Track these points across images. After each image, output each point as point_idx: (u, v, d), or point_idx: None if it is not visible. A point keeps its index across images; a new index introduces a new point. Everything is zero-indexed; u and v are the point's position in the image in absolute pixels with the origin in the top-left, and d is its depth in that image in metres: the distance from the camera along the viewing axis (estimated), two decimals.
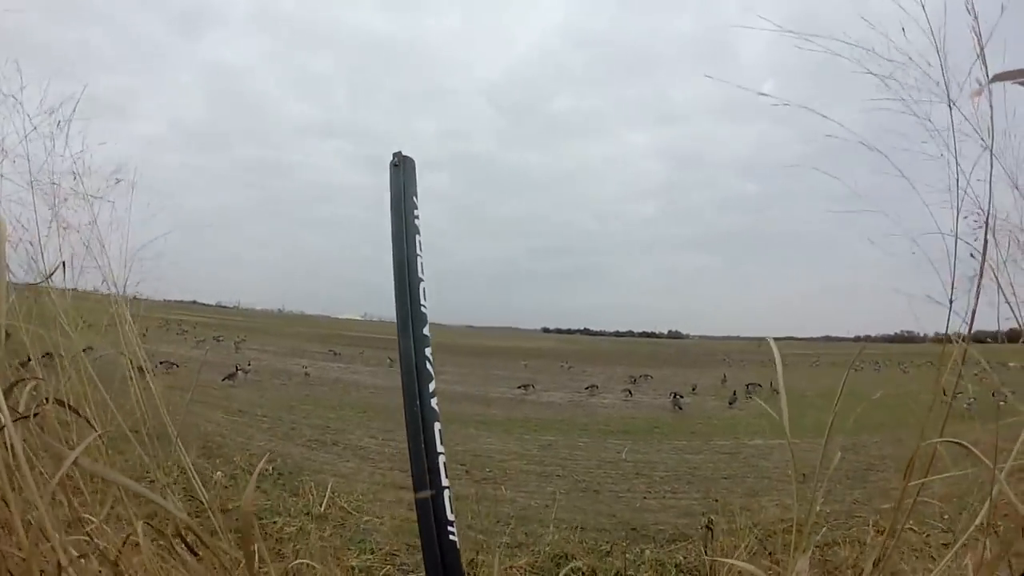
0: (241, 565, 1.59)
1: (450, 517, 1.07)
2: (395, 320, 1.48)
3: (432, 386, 1.17)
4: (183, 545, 1.64)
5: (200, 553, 1.68)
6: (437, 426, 1.18)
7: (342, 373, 28.01)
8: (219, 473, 7.86)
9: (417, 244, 1.13)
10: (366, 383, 24.62)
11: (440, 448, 1.14)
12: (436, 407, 1.19)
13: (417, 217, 1.21)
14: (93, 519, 1.81)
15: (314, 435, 12.74)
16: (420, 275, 1.28)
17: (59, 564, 1.33)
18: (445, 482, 1.05)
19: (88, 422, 1.91)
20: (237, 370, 20.49)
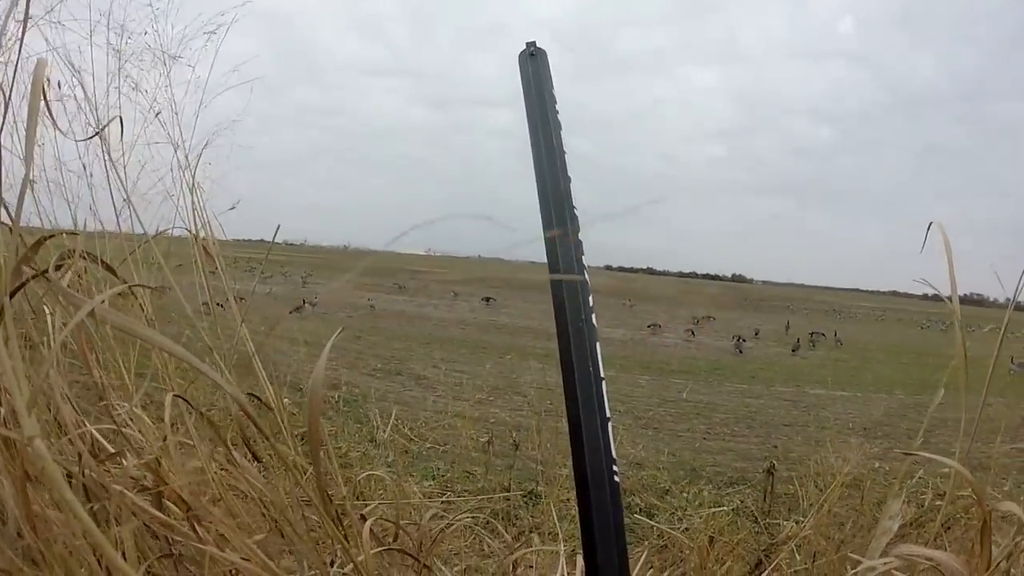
0: (308, 474, 1.47)
1: (614, 455, 0.96)
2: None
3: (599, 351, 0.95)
4: (244, 446, 1.44)
5: (262, 458, 1.51)
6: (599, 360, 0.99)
7: (407, 306, 28.42)
8: (286, 400, 8.07)
9: (562, 148, 0.87)
10: (430, 315, 25.02)
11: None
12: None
13: (558, 112, 0.95)
14: (123, 404, 1.53)
15: (379, 365, 13.05)
16: (571, 199, 0.97)
17: (80, 459, 1.13)
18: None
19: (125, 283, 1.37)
20: (304, 303, 20.85)
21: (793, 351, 23.13)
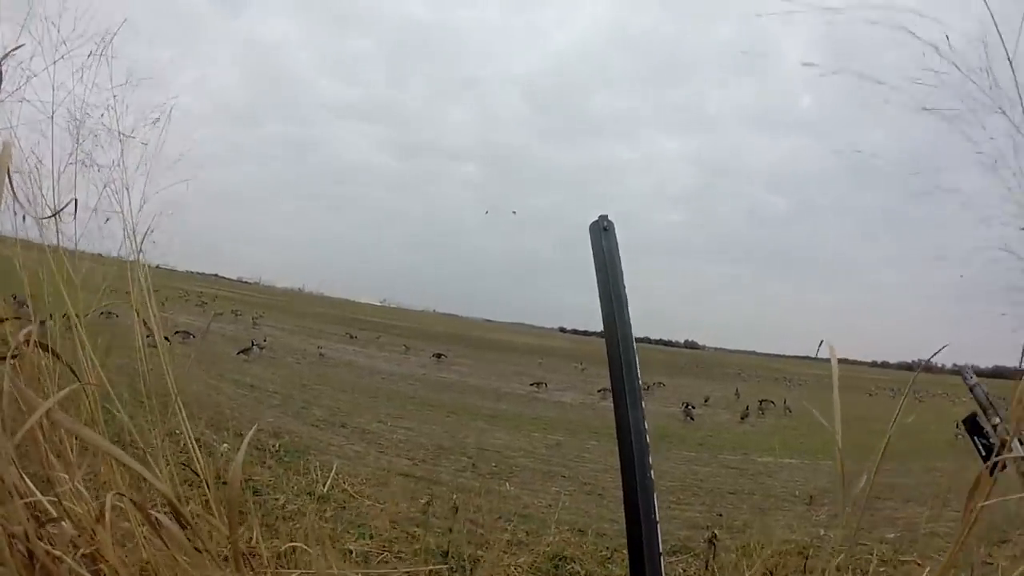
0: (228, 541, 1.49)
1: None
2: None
3: (650, 458, 1.10)
4: (170, 516, 1.52)
5: (186, 526, 1.57)
6: (655, 497, 1.10)
7: (357, 356, 28.11)
8: (225, 445, 7.88)
9: (628, 314, 1.06)
10: (380, 368, 24.70)
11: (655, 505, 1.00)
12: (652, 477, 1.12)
13: (624, 286, 1.12)
14: (67, 478, 1.69)
15: (324, 415, 12.77)
16: (634, 348, 1.22)
17: (26, 527, 1.25)
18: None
19: (72, 371, 1.76)
20: (253, 345, 20.57)
21: (742, 418, 23.29)
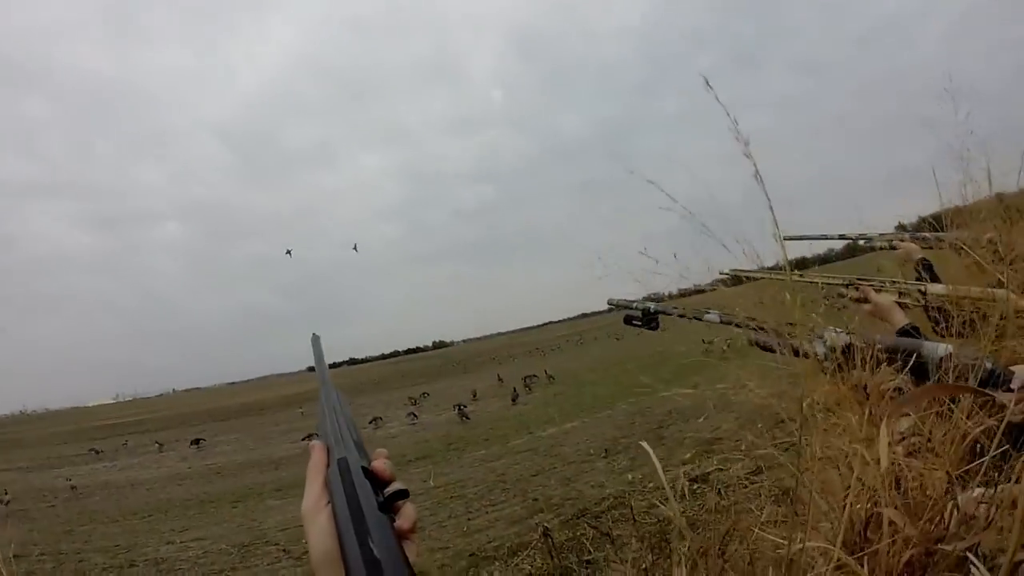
0: None
1: None
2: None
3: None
4: None
5: None
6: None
7: (110, 474, 25.36)
8: None
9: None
10: (140, 479, 22.58)
11: None
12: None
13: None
14: None
15: (106, 561, 11.10)
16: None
17: None
18: None
19: None
20: None
21: (514, 401, 23.98)
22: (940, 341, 1.71)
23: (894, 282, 2.44)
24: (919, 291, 2.38)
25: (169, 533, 12.57)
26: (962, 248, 2.46)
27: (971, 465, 1.34)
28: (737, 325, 2.07)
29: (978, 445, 1.39)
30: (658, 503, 6.48)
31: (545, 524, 7.07)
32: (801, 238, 3.20)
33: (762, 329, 1.95)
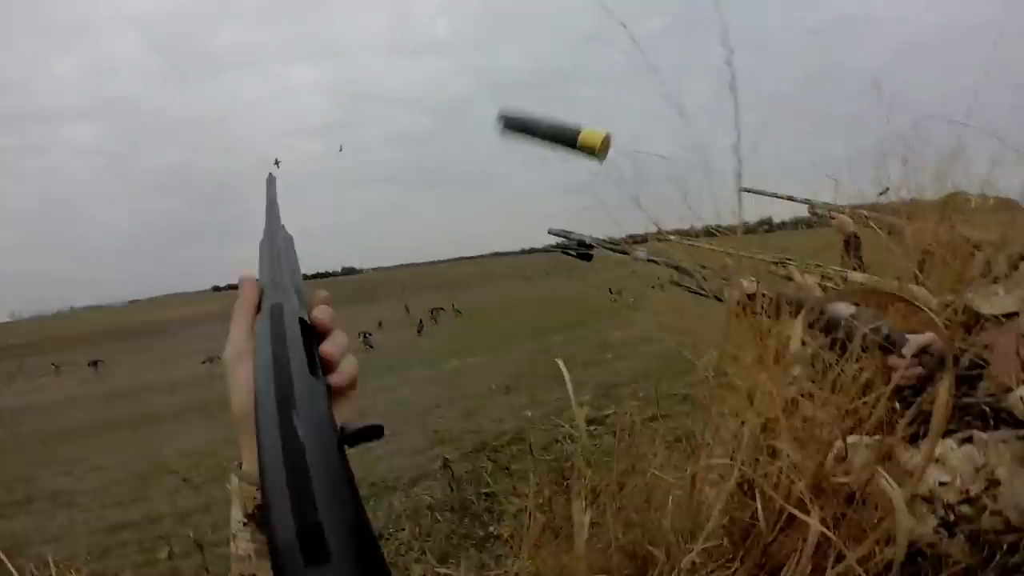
0: None
1: None
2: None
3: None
4: None
5: None
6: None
7: (4, 400, 24.16)
8: None
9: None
10: (36, 403, 21.69)
11: None
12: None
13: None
14: None
15: (5, 496, 10.33)
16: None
17: None
18: None
19: None
20: None
21: (419, 332, 24.13)
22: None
23: (818, 265, 2.56)
24: (841, 276, 2.51)
25: (67, 463, 12.03)
26: (891, 231, 2.61)
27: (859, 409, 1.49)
28: (667, 265, 2.19)
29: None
30: (557, 440, 6.66)
31: (445, 456, 7.19)
32: (760, 192, 3.20)
33: (684, 270, 2.09)
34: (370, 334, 23.27)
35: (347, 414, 0.63)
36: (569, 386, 2.11)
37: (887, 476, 1.25)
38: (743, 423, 1.53)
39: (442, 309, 29.31)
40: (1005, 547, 1.28)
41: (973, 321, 1.79)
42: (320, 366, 0.65)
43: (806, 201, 3.41)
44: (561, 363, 2.30)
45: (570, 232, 2.48)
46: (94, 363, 30.26)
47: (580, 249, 2.44)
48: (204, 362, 23.61)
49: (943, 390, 1.15)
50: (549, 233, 2.54)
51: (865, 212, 2.87)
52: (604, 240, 2.40)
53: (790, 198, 3.40)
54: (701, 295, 2.08)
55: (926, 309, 1.66)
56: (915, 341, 1.61)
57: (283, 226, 0.93)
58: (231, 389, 0.65)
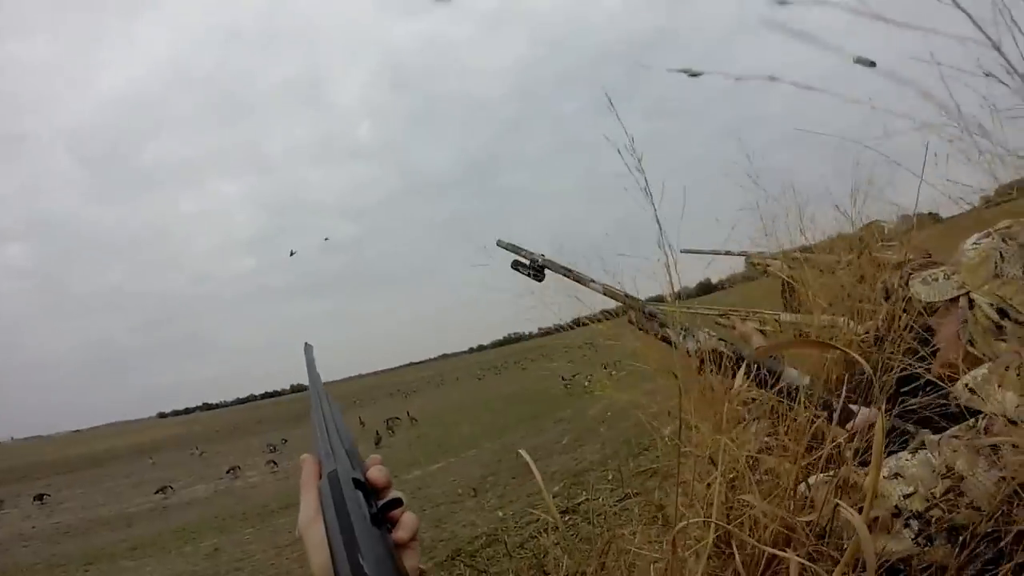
0: None
1: None
2: None
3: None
4: None
5: None
6: None
7: None
8: None
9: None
10: None
11: None
12: None
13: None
14: None
15: None
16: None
17: None
18: None
19: None
20: None
21: (376, 444, 23.70)
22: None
23: (756, 312, 2.71)
24: (775, 319, 2.66)
25: None
26: (822, 270, 2.74)
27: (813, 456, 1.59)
28: (624, 300, 2.22)
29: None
30: (533, 536, 6.65)
31: (420, 567, 7.11)
32: (698, 252, 3.30)
33: (649, 315, 2.14)
34: None
35: (412, 563, 0.74)
36: (538, 476, 2.11)
37: (845, 506, 1.28)
38: (709, 485, 1.62)
39: (397, 418, 28.94)
40: (982, 539, 1.32)
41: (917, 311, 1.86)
42: (383, 519, 0.74)
43: (742, 254, 3.54)
44: (526, 454, 2.31)
45: (520, 248, 2.48)
46: (40, 497, 28.90)
47: (532, 268, 2.42)
48: (157, 492, 22.94)
49: (879, 434, 1.24)
50: (497, 245, 2.54)
51: (797, 255, 2.92)
52: (557, 263, 2.40)
53: (727, 252, 3.49)
54: (663, 338, 2.11)
55: (842, 348, 1.72)
56: (863, 416, 1.66)
57: (327, 395, 1.00)
58: (308, 550, 0.74)
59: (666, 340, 2.09)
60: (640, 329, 2.17)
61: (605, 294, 2.22)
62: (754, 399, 1.81)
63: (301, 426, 45.97)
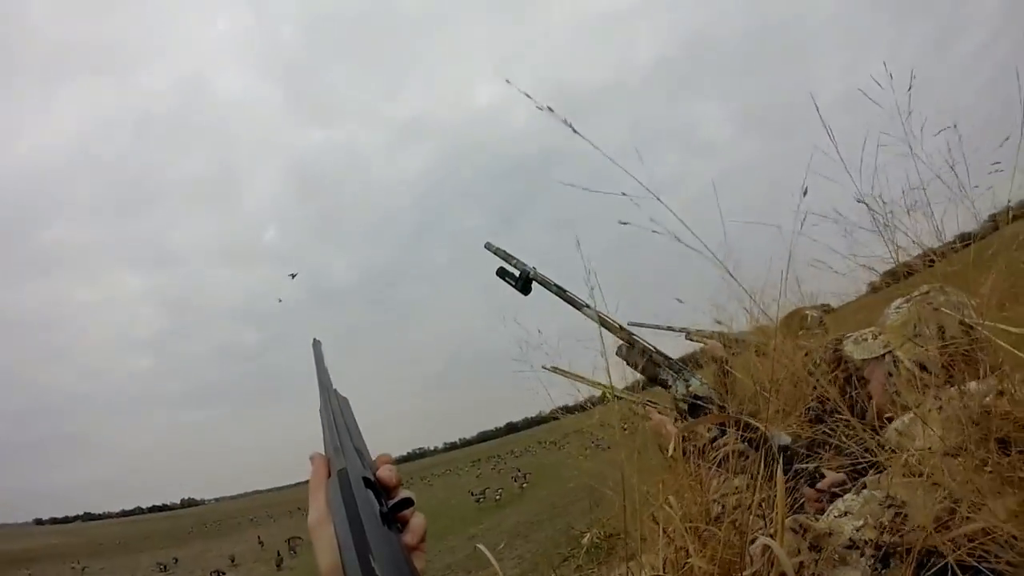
0: None
1: None
2: None
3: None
4: None
5: None
6: None
7: None
8: None
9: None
10: None
11: None
12: None
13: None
14: None
15: None
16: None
17: None
18: None
19: None
20: None
21: (278, 566, 22.81)
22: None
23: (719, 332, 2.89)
24: (735, 340, 2.82)
25: None
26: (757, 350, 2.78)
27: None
28: (616, 330, 2.27)
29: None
30: None
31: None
32: (643, 325, 3.33)
33: (629, 334, 2.25)
34: (224, 573, 21.87)
35: (417, 567, 0.73)
36: (496, 566, 2.14)
37: (775, 546, 1.47)
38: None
39: (299, 538, 27.81)
40: (928, 555, 1.41)
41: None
42: (393, 519, 0.76)
43: (683, 330, 3.72)
44: (485, 548, 2.38)
45: (511, 256, 2.41)
46: None
47: (519, 280, 2.36)
48: None
49: (780, 484, 1.47)
50: (486, 248, 2.48)
51: (734, 335, 2.98)
52: (550, 280, 2.35)
53: (669, 328, 3.68)
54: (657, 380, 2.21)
55: (762, 427, 1.90)
56: (830, 479, 1.92)
57: (335, 390, 1.00)
58: (317, 551, 0.74)
59: (662, 383, 2.22)
60: (629, 365, 2.25)
61: (601, 324, 2.19)
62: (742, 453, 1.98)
63: (192, 545, 43.63)
